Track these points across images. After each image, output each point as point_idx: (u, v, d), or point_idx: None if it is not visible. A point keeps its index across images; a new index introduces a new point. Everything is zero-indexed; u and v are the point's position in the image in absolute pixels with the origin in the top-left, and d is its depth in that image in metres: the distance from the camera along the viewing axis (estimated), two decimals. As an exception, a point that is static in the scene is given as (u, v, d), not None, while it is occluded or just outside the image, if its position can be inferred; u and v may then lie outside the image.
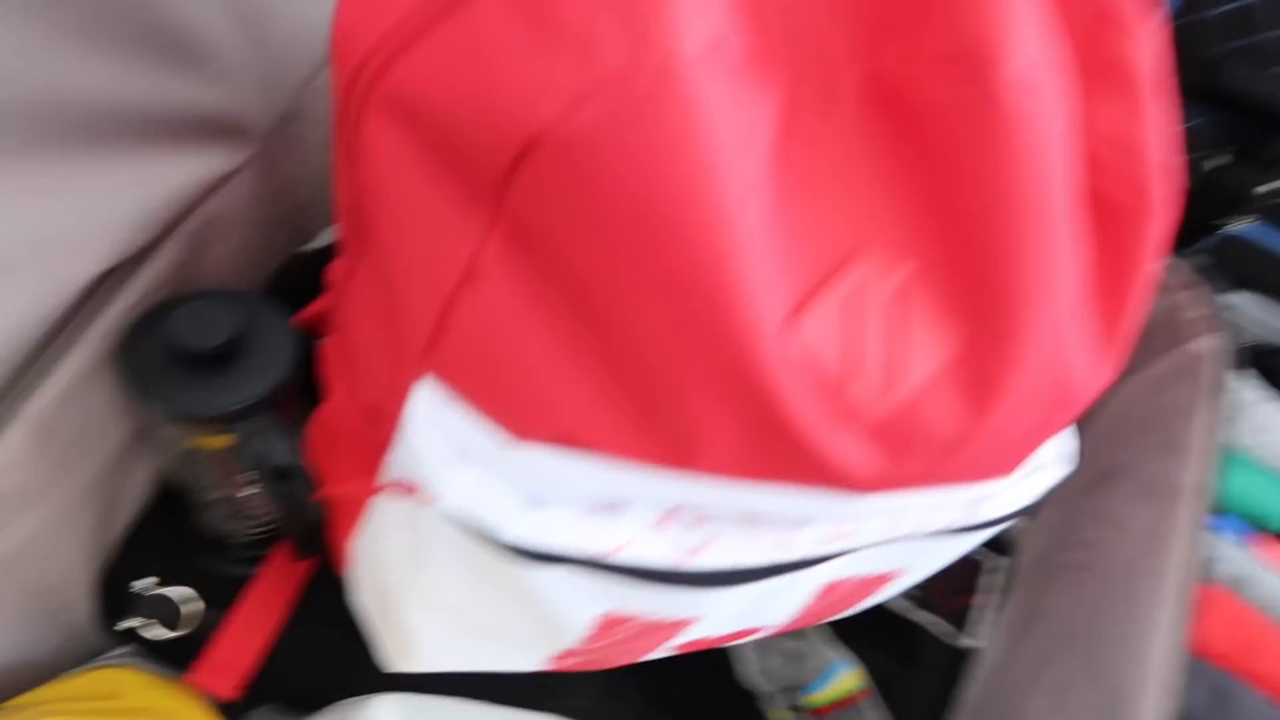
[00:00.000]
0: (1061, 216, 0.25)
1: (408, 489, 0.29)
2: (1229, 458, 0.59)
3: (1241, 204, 0.67)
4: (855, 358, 0.25)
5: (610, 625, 0.32)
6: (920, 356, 0.25)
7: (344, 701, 0.41)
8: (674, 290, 0.23)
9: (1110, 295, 0.28)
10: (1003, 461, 0.30)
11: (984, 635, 0.54)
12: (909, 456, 0.26)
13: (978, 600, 0.55)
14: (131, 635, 0.44)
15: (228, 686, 0.42)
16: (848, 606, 0.40)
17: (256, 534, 0.44)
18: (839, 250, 0.25)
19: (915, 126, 0.25)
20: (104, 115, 0.34)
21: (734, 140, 0.22)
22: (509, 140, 0.22)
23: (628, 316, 0.24)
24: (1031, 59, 0.24)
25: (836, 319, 0.24)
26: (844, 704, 0.49)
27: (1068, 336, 0.27)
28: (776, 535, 0.29)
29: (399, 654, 0.37)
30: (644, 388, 0.25)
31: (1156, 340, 0.55)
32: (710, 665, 0.50)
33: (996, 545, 0.58)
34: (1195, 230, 0.71)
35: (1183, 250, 0.73)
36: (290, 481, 0.38)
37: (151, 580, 0.44)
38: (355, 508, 0.35)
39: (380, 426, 0.30)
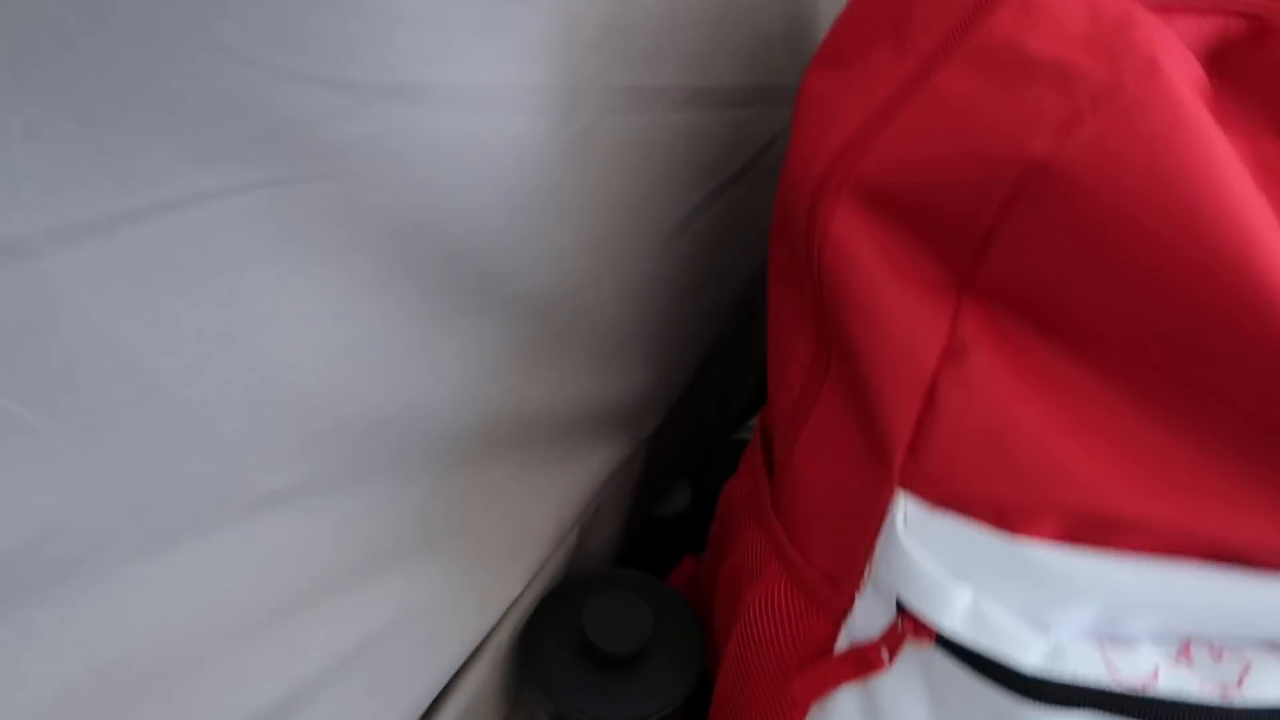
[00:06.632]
0: None
1: (867, 660, 0.27)
2: None
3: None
4: None
5: None
6: None
7: None
8: (1204, 298, 0.21)
9: None
10: None
11: None
12: None
13: None
14: None
15: None
16: None
17: None
18: None
19: None
20: (542, 419, 0.35)
21: (1219, 137, 0.21)
22: (1000, 180, 0.23)
23: (1153, 347, 0.22)
24: None
25: None
26: None
27: None
28: None
29: None
30: (1187, 428, 0.22)
31: None
32: None
33: None
34: None
35: None
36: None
37: None
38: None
39: (841, 586, 0.28)
